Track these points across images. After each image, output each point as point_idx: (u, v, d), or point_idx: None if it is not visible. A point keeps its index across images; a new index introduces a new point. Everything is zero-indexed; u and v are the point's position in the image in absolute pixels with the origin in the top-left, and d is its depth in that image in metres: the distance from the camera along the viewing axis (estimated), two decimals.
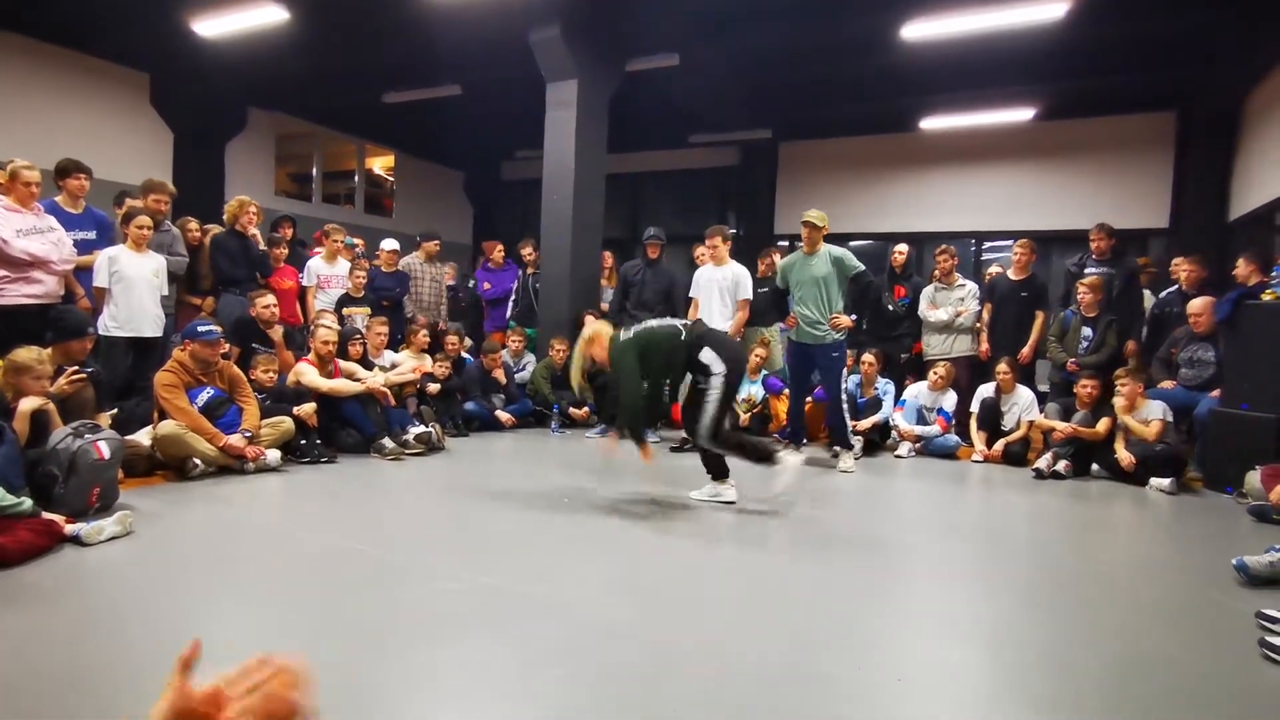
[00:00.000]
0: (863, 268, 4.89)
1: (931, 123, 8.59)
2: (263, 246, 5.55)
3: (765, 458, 3.58)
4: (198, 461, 3.79)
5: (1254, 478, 4.06)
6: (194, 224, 5.47)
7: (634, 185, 10.76)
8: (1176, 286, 5.70)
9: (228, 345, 4.46)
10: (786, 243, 10.03)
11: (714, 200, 10.63)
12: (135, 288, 4.51)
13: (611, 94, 7.08)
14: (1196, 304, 5.07)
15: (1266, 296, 4.62)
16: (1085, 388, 5.04)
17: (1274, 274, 4.87)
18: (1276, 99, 6.40)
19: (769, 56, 7.26)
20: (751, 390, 6.33)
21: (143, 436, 3.95)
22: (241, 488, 3.69)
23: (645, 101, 8.02)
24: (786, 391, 6.11)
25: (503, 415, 6.03)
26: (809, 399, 5.62)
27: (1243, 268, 5.23)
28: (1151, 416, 4.71)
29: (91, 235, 4.68)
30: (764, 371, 6.35)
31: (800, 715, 1.72)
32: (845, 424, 4.99)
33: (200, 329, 4.02)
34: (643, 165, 10.57)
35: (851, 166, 9.62)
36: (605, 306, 6.99)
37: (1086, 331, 5.52)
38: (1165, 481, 4.51)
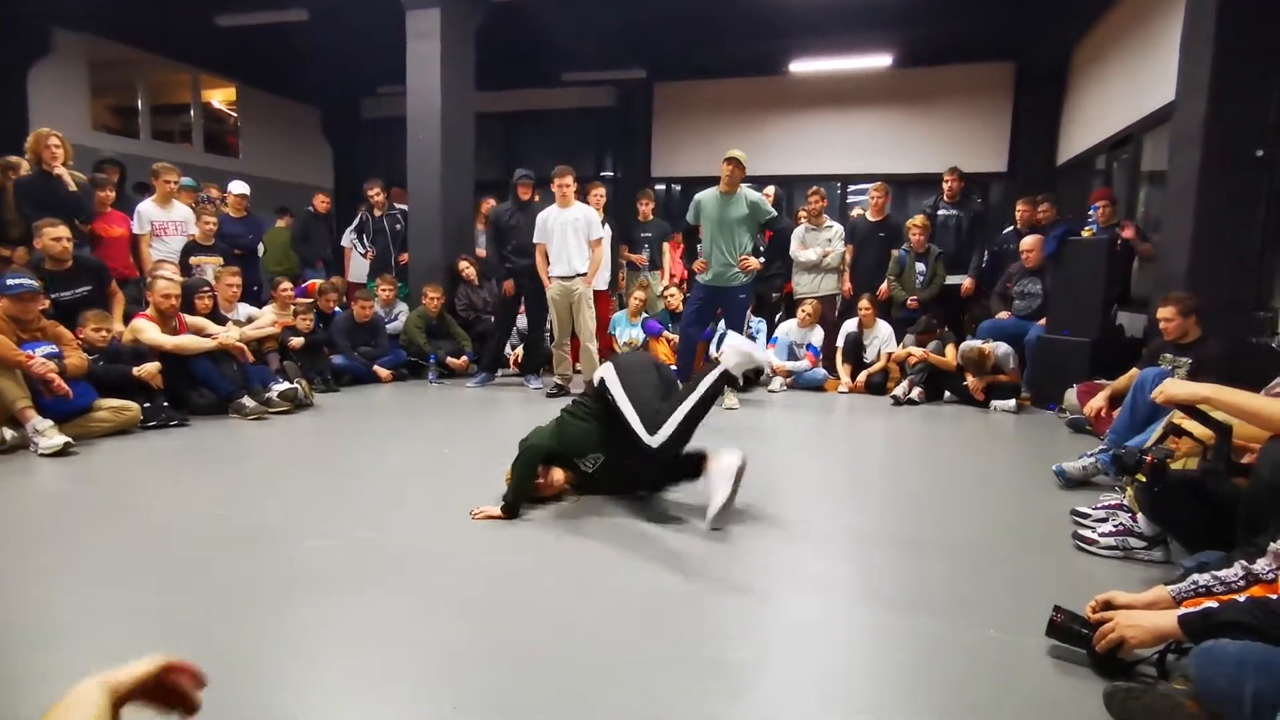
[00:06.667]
0: (775, 213, 4.97)
1: (800, 66, 8.78)
2: (73, 187, 4.88)
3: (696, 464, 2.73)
4: (9, 433, 3.37)
5: (1071, 395, 4.59)
6: None
7: (506, 125, 10.36)
8: (1013, 226, 6.24)
9: (46, 302, 3.94)
10: (664, 185, 10.09)
11: (589, 141, 10.44)
12: None
13: (477, 25, 6.71)
14: (1027, 241, 5.58)
15: (1085, 234, 5.16)
16: (923, 340, 5.52)
17: (1090, 213, 5.44)
18: (1099, 51, 7.02)
19: None
20: (632, 333, 6.40)
21: None
22: (76, 459, 3.33)
23: (515, 35, 7.66)
24: (666, 333, 6.23)
25: (380, 370, 5.76)
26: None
27: (1021, 209, 6.01)
28: (997, 356, 5.21)
29: None
30: (644, 315, 6.41)
31: (675, 626, 1.81)
32: None
33: (9, 282, 3.53)
34: (515, 104, 10.17)
35: (726, 108, 9.70)
36: (481, 252, 6.78)
37: (920, 267, 5.98)
38: (1008, 403, 5.03)
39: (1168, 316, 3.74)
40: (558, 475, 2.82)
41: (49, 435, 3.34)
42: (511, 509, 2.62)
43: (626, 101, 10.08)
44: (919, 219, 6.00)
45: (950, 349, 5.38)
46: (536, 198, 5.82)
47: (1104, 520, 2.49)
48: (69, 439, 3.38)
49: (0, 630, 1.75)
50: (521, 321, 6.11)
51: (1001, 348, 5.23)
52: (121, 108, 9.01)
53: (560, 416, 2.87)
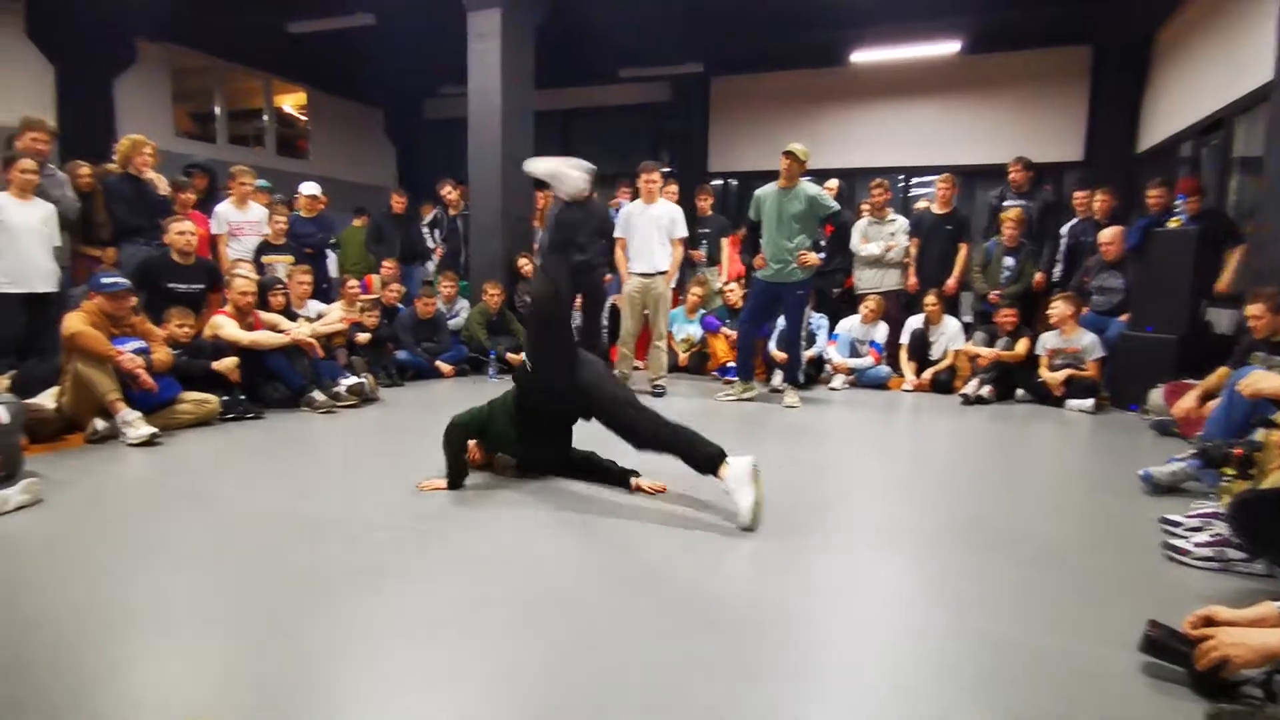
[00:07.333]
0: (837, 207, 4.85)
1: (861, 56, 8.57)
2: (163, 191, 5.14)
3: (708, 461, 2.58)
4: (101, 423, 3.56)
5: (1156, 395, 4.35)
6: (85, 168, 5.02)
7: (564, 122, 10.44)
8: (1084, 217, 5.94)
9: (135, 299, 4.15)
10: (721, 180, 10.01)
11: (646, 137, 10.43)
12: (22, 239, 4.14)
13: (537, 24, 6.76)
14: (1107, 233, 5.31)
15: (1172, 224, 4.88)
16: (1005, 317, 5.27)
17: (1178, 202, 5.15)
18: (1184, 33, 6.63)
19: None
20: (690, 330, 6.37)
21: (46, 399, 3.69)
22: (161, 449, 3.50)
23: (573, 33, 7.70)
24: (724, 329, 6.18)
25: (442, 365, 5.89)
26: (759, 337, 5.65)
27: (1101, 199, 5.61)
28: (1081, 345, 4.98)
29: None
30: (701, 310, 6.37)
31: (747, 621, 1.77)
32: (800, 362, 5.06)
33: (104, 280, 3.73)
34: (572, 101, 10.24)
35: (783, 101, 9.55)
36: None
37: (1009, 261, 5.74)
38: (1086, 402, 4.80)
39: (1257, 314, 3.51)
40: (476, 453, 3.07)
41: (137, 426, 3.52)
42: (452, 482, 2.89)
43: (683, 96, 10.02)
44: (1014, 212, 5.75)
45: (1023, 343, 5.17)
46: (594, 194, 5.82)
47: (1198, 529, 2.34)
48: (155, 430, 3.56)
49: (83, 617, 1.84)
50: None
51: (1087, 336, 4.99)
52: (200, 114, 9.44)
53: (498, 402, 3.01)
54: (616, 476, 2.96)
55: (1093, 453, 4.05)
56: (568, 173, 2.82)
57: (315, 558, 2.23)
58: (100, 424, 3.57)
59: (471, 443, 3.01)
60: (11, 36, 7.23)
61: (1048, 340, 5.13)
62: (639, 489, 2.88)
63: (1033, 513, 2.83)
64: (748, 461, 2.51)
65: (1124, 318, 5.11)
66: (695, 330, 6.35)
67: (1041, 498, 3.09)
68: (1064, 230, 6.05)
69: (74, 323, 3.56)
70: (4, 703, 1.45)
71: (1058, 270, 5.98)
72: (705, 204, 6.84)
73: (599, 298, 5.97)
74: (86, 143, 6.41)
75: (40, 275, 4.24)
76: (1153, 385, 4.45)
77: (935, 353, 5.72)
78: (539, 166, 2.89)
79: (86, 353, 3.53)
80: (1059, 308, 5.01)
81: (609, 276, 6.02)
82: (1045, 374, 5.04)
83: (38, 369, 4.03)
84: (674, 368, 6.04)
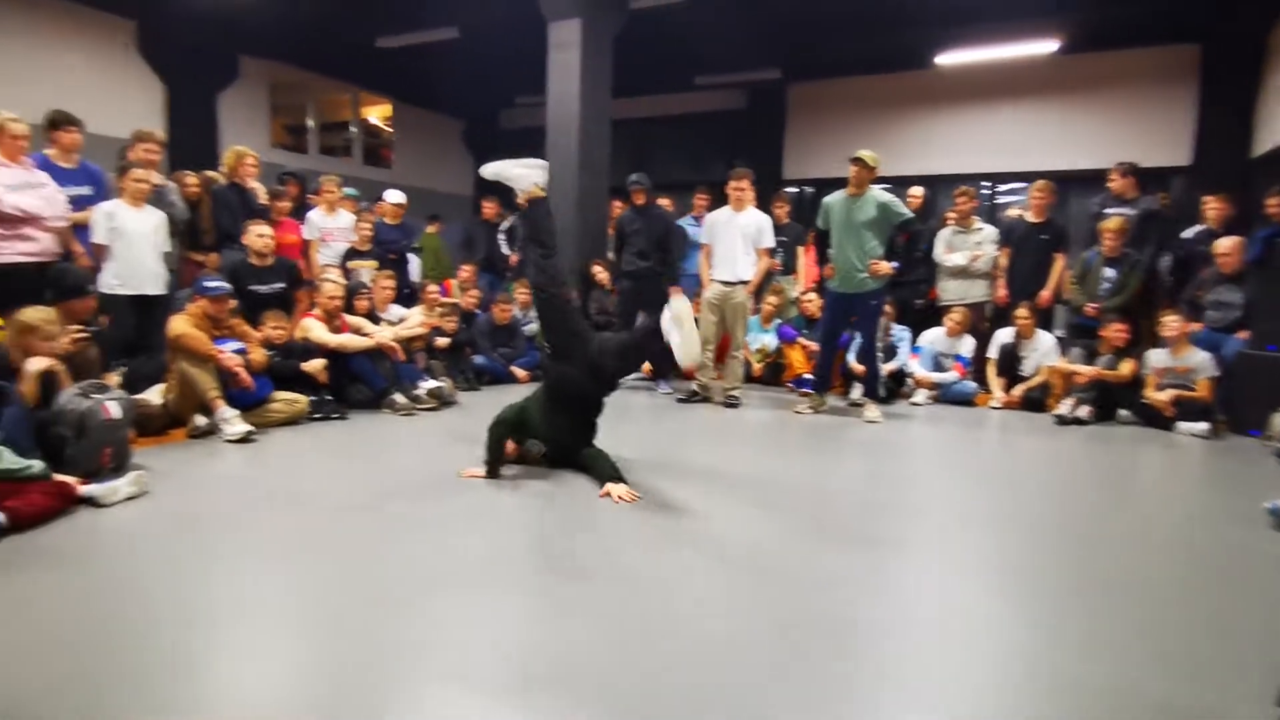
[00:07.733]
0: (910, 214, 4.67)
1: (948, 58, 8.27)
2: (263, 200, 5.40)
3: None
4: (202, 420, 3.74)
5: (1279, 420, 4.00)
6: (191, 178, 5.32)
7: (639, 131, 10.46)
8: (1204, 226, 5.52)
9: (234, 302, 4.36)
10: (796, 188, 9.83)
11: (721, 145, 10.35)
12: (135, 244, 4.39)
13: (616, 33, 6.80)
14: (1224, 244, 4.92)
15: None
16: (1115, 331, 4.93)
17: None
18: None
19: None
20: (765, 340, 6.25)
21: (153, 395, 3.89)
22: (255, 446, 3.65)
23: (650, 42, 7.71)
24: (800, 340, 6.04)
25: (518, 371, 5.96)
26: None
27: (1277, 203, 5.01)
28: (1193, 365, 4.64)
29: (87, 191, 4.53)
30: (777, 320, 6.25)
31: (827, 656, 1.69)
32: (879, 374, 4.89)
33: (208, 284, 3.93)
34: (648, 110, 10.25)
35: (863, 107, 9.32)
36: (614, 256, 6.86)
37: (1109, 273, 5.38)
38: (1200, 425, 4.45)
39: None
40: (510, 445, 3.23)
41: (234, 423, 3.68)
42: (490, 470, 3.09)
43: (759, 103, 9.92)
44: (1114, 221, 5.38)
45: (1128, 364, 4.84)
46: (671, 203, 5.79)
47: None
48: (251, 427, 3.72)
49: (181, 605, 1.92)
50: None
51: (1199, 355, 4.64)
52: (294, 126, 9.92)
53: (533, 397, 3.26)
54: (603, 478, 3.00)
55: (1209, 482, 3.74)
56: (518, 173, 3.27)
57: (399, 558, 2.26)
58: (201, 420, 3.75)
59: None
60: (124, 54, 7.75)
61: (1156, 359, 4.79)
62: (606, 494, 2.89)
63: (1143, 545, 2.62)
64: (666, 314, 2.84)
65: (1241, 335, 4.73)
66: (770, 340, 6.23)
67: (1152, 529, 2.86)
68: (1190, 234, 5.61)
69: (179, 324, 3.77)
70: (96, 687, 1.51)
71: (1169, 282, 5.57)
72: (781, 212, 6.72)
73: (662, 305, 5.90)
74: (192, 154, 6.81)
75: (150, 278, 4.50)
76: (1275, 409, 4.10)
77: (1027, 369, 5.43)
78: (489, 170, 3.24)
79: (190, 353, 3.72)
80: (1173, 324, 4.67)
81: (677, 290, 5.94)
82: (1152, 395, 4.70)
83: (145, 367, 4.26)
84: (748, 378, 5.94)
